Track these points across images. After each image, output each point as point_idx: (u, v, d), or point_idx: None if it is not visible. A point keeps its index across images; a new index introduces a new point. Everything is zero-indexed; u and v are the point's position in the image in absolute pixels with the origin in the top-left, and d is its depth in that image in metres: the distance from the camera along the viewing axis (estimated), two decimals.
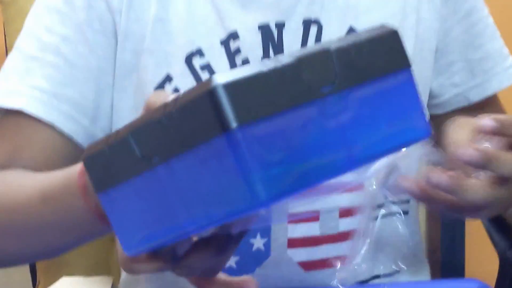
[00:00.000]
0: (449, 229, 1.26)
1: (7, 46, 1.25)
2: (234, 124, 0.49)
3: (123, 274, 1.04)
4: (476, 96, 1.04)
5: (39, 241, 0.86)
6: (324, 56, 0.56)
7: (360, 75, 0.57)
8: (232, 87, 0.50)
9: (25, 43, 0.97)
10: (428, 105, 1.04)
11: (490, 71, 1.05)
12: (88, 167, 0.62)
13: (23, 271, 1.35)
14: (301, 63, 0.54)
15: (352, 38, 0.58)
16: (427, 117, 0.63)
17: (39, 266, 1.21)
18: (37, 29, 0.96)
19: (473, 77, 1.05)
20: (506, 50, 1.06)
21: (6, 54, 1.21)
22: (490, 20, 1.07)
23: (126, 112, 0.96)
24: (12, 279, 1.12)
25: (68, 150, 0.93)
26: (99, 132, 0.95)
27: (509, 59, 1.05)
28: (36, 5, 0.98)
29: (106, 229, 0.72)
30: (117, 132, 0.59)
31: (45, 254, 0.93)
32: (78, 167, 0.76)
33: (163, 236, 0.60)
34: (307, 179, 0.54)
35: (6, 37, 1.26)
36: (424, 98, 1.02)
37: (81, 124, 0.94)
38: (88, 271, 0.78)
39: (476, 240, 1.37)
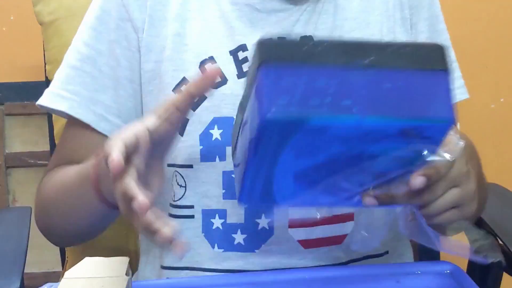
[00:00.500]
0: None
1: (46, 60, 1.29)
2: None
3: (142, 245, 1.09)
4: None
5: (75, 220, 0.94)
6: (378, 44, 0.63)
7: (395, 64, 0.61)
8: None
9: (69, 54, 1.00)
10: None
11: None
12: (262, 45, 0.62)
13: (54, 252, 1.35)
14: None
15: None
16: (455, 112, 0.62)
17: (68, 247, 1.26)
18: (78, 43, 0.99)
19: None
20: (457, 74, 1.06)
21: (45, 68, 1.29)
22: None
23: (150, 109, 0.99)
24: (44, 259, 1.16)
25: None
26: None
27: (459, 81, 1.05)
28: (81, 23, 1.01)
29: (115, 213, 0.83)
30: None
31: (82, 234, 1.00)
32: (91, 162, 0.84)
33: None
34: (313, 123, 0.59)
35: (45, 52, 1.29)
36: None
37: (113, 124, 0.96)
38: (109, 253, 0.83)
39: None
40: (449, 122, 0.61)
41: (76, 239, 1.05)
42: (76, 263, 0.75)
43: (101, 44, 0.97)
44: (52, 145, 1.28)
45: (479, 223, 1.03)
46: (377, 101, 0.60)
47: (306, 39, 0.67)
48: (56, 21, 1.22)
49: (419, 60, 0.62)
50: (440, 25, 1.07)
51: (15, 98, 1.68)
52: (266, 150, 0.63)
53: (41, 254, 1.08)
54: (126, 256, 0.77)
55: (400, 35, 1.01)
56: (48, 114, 1.28)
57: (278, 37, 0.62)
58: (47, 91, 0.98)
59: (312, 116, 0.58)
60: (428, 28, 1.04)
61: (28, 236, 1.09)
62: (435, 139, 0.63)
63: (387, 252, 0.99)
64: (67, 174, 0.94)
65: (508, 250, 0.98)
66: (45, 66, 1.28)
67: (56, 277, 1.32)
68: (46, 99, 0.97)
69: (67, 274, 0.71)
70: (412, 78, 0.61)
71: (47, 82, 1.24)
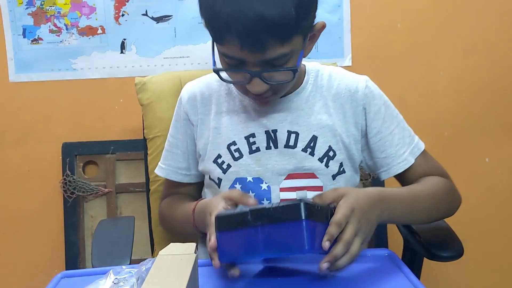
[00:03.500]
0: None
1: (144, 126, 1.29)
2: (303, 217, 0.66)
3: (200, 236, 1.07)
4: (386, 175, 1.00)
5: (181, 232, 1.06)
6: (265, 209, 0.70)
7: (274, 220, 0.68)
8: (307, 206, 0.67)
9: (166, 141, 1.09)
10: (380, 171, 1.01)
11: (390, 164, 0.99)
12: (218, 220, 0.73)
13: (145, 243, 1.35)
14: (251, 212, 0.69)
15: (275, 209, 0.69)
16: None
17: (155, 240, 1.27)
18: (169, 135, 1.08)
19: (382, 166, 1.00)
20: (403, 149, 0.99)
21: (143, 131, 1.29)
22: (395, 131, 0.99)
23: (204, 170, 1.04)
24: (136, 249, 1.09)
25: (194, 184, 1.09)
26: (192, 179, 1.08)
27: (405, 155, 0.98)
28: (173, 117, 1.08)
29: (200, 234, 0.94)
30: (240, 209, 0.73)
31: (183, 235, 1.06)
32: (191, 208, 0.94)
33: (245, 258, 0.74)
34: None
35: (143, 122, 1.29)
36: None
37: (190, 176, 1.07)
38: (182, 241, 0.79)
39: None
40: (302, 250, 0.67)
41: (179, 235, 1.09)
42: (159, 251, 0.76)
43: (178, 135, 1.05)
44: (147, 179, 1.28)
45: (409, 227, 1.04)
46: (269, 242, 0.69)
47: (243, 213, 0.71)
48: (151, 103, 1.25)
49: (287, 215, 0.68)
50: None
51: (123, 150, 1.66)
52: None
53: (134, 245, 1.08)
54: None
55: (353, 131, 0.98)
56: (144, 159, 1.29)
57: (227, 212, 0.75)
58: (158, 166, 1.10)
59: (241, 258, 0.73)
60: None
61: (133, 233, 1.10)
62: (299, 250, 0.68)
63: None
64: (177, 210, 1.02)
65: (424, 242, 0.97)
66: (143, 130, 1.30)
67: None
68: (158, 171, 1.10)
69: (160, 252, 0.73)
70: (284, 227, 0.67)
71: (144, 140, 1.29)
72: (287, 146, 0.96)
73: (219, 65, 0.88)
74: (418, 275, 1.03)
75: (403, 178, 1.01)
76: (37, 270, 1.74)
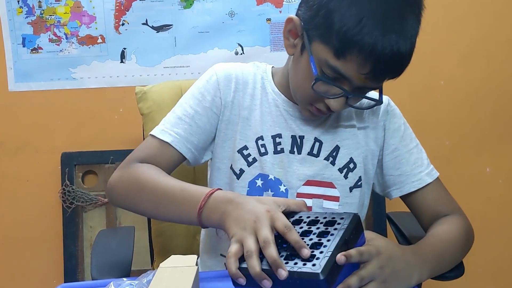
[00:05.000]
0: None
1: (144, 136, 1.25)
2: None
3: (201, 248, 1.07)
4: (397, 193, 1.00)
5: (159, 209, 0.84)
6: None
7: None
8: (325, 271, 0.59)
9: (178, 108, 0.98)
10: (391, 189, 1.00)
11: (404, 182, 0.99)
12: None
13: (144, 253, 1.34)
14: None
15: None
16: None
17: (155, 251, 1.24)
18: (185, 104, 0.98)
19: (394, 184, 1.00)
20: (419, 169, 0.98)
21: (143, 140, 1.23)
22: (414, 150, 0.99)
23: (220, 156, 0.99)
24: (135, 259, 1.03)
25: (179, 165, 0.96)
26: (201, 159, 0.99)
27: (421, 174, 0.98)
28: (189, 90, 1.00)
29: (200, 226, 0.78)
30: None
31: (155, 217, 0.95)
32: (208, 191, 0.78)
33: None
34: None
35: (144, 132, 1.26)
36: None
37: (193, 154, 0.96)
38: (183, 253, 0.79)
39: None
40: None
41: (150, 212, 0.90)
42: (159, 263, 0.75)
43: (198, 108, 0.97)
44: None
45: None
46: None
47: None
48: (151, 113, 1.23)
49: (299, 283, 0.61)
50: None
51: (122, 159, 1.53)
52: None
53: (135, 257, 1.06)
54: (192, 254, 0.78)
55: (372, 146, 0.99)
56: None
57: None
58: (158, 128, 0.96)
59: None
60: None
61: (134, 243, 1.06)
62: None
63: None
64: (170, 182, 0.85)
65: None
66: (143, 139, 1.15)
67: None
68: (159, 133, 0.95)
69: (161, 264, 0.72)
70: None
71: None
72: (310, 153, 0.97)
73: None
74: None
75: (413, 201, 0.99)
76: (36, 281, 1.72)
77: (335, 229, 0.65)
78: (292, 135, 0.97)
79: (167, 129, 0.95)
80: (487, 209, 1.75)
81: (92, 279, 0.91)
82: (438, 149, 1.71)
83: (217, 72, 1.00)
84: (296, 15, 0.89)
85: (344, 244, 0.64)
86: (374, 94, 0.95)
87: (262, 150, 0.96)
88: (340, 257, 0.62)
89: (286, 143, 0.97)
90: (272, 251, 0.63)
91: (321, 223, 0.68)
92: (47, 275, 1.71)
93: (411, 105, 1.70)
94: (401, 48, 0.79)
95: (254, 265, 0.64)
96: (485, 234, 1.73)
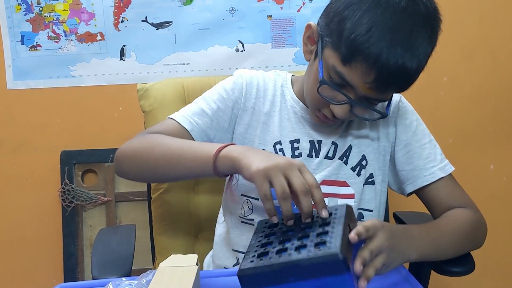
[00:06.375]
0: None
1: None
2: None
3: (215, 241, 1.07)
4: (410, 188, 1.01)
5: (171, 161, 0.87)
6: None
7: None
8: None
9: (201, 101, 1.01)
10: (405, 185, 1.01)
11: (417, 176, 0.99)
12: (243, 277, 0.65)
13: (145, 252, 1.33)
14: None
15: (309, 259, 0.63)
16: None
17: (157, 250, 1.23)
18: (209, 98, 1.01)
19: (407, 179, 1.01)
20: (432, 163, 0.99)
21: None
22: (427, 145, 1.00)
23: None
24: (136, 259, 1.02)
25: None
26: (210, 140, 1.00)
27: (433, 169, 0.99)
28: (214, 87, 1.03)
29: (215, 176, 0.82)
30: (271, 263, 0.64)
31: (164, 173, 0.90)
32: (217, 148, 0.81)
33: None
34: None
35: (145, 129, 1.18)
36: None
37: (203, 140, 0.98)
38: (182, 253, 0.79)
39: None
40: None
41: (154, 182, 1.03)
42: (160, 262, 0.75)
43: (221, 105, 1.00)
44: (148, 187, 1.24)
45: None
46: None
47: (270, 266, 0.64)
48: (153, 110, 1.23)
49: (326, 270, 0.63)
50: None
51: None
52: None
53: (135, 255, 1.05)
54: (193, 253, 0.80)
55: (384, 142, 1.01)
56: None
57: (253, 265, 0.65)
58: (180, 114, 0.98)
59: None
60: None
61: (135, 242, 1.04)
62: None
63: None
64: (185, 140, 0.91)
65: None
66: None
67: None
68: (179, 117, 0.97)
69: (161, 264, 0.72)
70: (324, 281, 0.63)
71: None
72: (326, 157, 0.99)
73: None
74: (425, 287, 1.02)
75: (426, 195, 1.00)
76: (35, 280, 1.72)
77: (334, 218, 0.71)
78: (310, 140, 1.00)
79: (188, 116, 0.98)
80: (491, 206, 1.73)
81: (93, 278, 0.91)
82: (441, 146, 1.65)
83: (243, 76, 1.04)
84: (317, 22, 0.92)
85: (347, 228, 0.69)
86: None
87: (280, 154, 0.99)
88: (354, 236, 0.66)
89: (304, 148, 0.99)
90: (319, 192, 0.72)
91: (318, 216, 0.73)
92: (46, 274, 1.71)
93: (414, 102, 1.67)
94: (406, 63, 0.80)
95: (288, 208, 0.71)
96: (489, 231, 1.69)
